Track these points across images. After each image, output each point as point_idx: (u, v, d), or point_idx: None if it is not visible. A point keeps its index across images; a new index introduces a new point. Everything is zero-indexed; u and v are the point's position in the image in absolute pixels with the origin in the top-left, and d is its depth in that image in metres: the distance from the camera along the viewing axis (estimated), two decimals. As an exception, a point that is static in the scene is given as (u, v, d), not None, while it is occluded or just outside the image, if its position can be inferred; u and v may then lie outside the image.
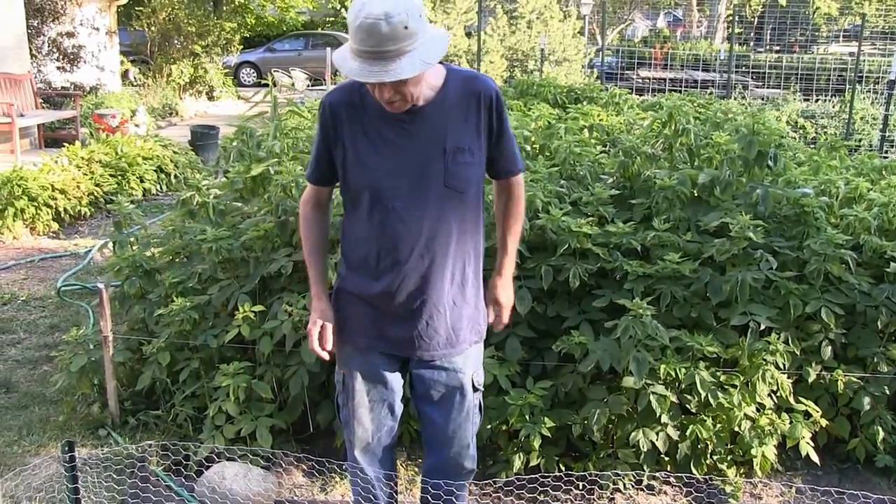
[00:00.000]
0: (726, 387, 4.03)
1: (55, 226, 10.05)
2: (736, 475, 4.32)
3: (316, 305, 2.86)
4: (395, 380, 2.92)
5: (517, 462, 3.98)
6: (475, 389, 2.97)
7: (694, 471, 4.31)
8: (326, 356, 2.90)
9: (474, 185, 2.77)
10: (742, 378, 4.05)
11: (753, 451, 4.00)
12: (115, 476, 4.43)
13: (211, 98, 22.09)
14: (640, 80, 19.99)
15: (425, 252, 2.72)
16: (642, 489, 4.36)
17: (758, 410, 4.08)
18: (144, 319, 5.25)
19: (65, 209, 10.09)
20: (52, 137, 14.21)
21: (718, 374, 4.04)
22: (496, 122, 2.70)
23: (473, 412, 2.99)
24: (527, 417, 3.93)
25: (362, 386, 2.86)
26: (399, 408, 3.03)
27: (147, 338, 5.13)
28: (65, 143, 12.07)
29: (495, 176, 2.89)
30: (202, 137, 13.22)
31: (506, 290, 3.13)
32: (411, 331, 2.79)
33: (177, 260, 5.00)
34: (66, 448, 3.11)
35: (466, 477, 3.29)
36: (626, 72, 21.51)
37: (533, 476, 4.20)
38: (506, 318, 3.14)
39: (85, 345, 5.41)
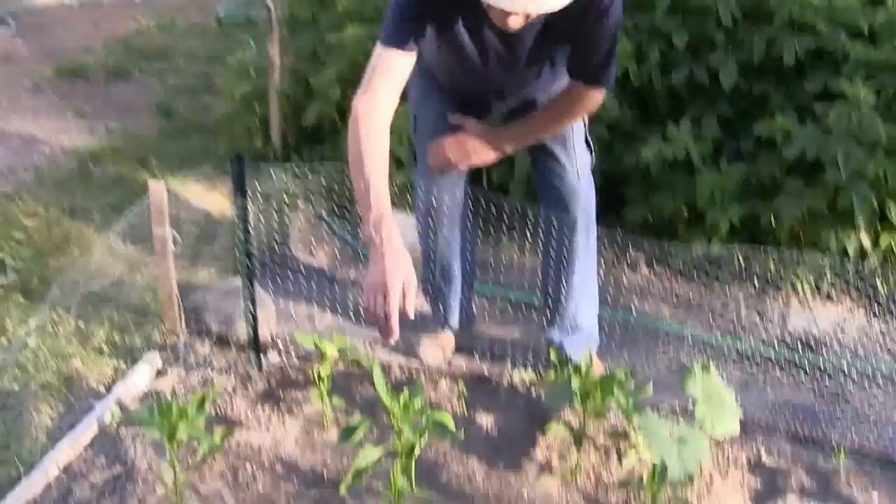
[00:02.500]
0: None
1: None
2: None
3: (390, 250, 2.15)
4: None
5: (697, 245, 4.04)
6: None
7: (879, 286, 4.27)
8: (396, 331, 2.17)
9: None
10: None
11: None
12: (275, 212, 4.78)
13: None
14: None
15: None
16: (820, 296, 4.38)
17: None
18: (314, 49, 5.19)
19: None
20: None
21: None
22: (591, 28, 2.55)
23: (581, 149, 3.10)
24: (715, 201, 3.95)
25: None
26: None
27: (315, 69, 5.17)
28: None
29: (569, 74, 2.79)
30: None
31: (483, 143, 2.98)
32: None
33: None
34: (236, 163, 3.17)
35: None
36: None
37: (709, 261, 4.29)
38: (409, 311, 2.19)
39: (248, 71, 5.59)
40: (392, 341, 2.13)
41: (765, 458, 3.22)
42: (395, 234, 2.15)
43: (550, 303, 3.44)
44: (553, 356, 3.09)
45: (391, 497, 2.67)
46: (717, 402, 2.90)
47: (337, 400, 3.21)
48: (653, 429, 2.79)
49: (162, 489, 2.86)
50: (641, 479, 2.83)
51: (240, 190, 3.20)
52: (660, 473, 2.56)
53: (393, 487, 2.65)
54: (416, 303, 2.17)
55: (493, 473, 3.04)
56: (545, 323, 3.47)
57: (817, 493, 3.06)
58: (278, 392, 3.39)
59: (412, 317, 2.13)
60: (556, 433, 3.19)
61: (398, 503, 2.69)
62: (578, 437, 3.02)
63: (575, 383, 2.90)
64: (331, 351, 3.09)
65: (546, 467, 3.09)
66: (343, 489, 2.63)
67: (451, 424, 2.59)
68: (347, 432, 2.67)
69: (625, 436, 3.15)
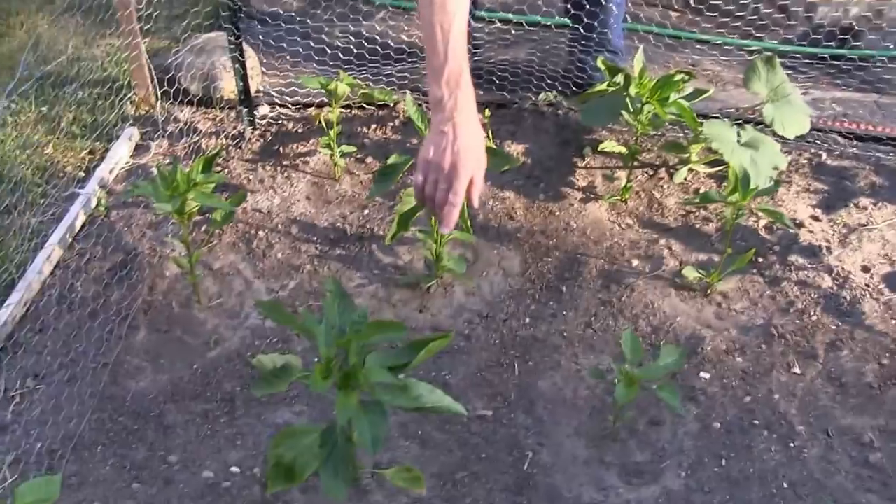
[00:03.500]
0: None
1: None
2: None
3: (465, 124, 1.76)
4: None
5: None
6: None
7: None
8: (453, 224, 1.82)
9: None
10: None
11: None
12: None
13: None
14: None
15: None
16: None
17: None
18: None
19: None
20: None
21: None
22: None
23: None
24: None
25: None
26: None
27: None
28: None
29: None
30: None
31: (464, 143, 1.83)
32: None
33: None
34: None
35: None
36: None
37: None
38: (474, 199, 1.84)
39: None
40: (446, 231, 1.81)
41: (827, 160, 2.97)
42: (472, 102, 1.73)
43: (583, 25, 3.05)
44: (600, 64, 2.74)
45: (433, 242, 2.44)
46: (784, 99, 2.61)
47: (346, 147, 2.91)
48: (721, 134, 2.53)
49: (172, 270, 2.63)
50: (705, 193, 2.58)
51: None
52: (742, 181, 2.31)
53: (434, 232, 2.41)
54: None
55: (533, 206, 2.81)
56: (578, 48, 3.09)
57: (889, 189, 2.85)
58: (278, 148, 3.09)
59: (476, 205, 1.84)
60: (593, 156, 2.93)
61: (441, 249, 2.47)
62: (631, 154, 2.76)
63: (633, 88, 2.59)
64: (342, 89, 2.76)
65: (591, 193, 2.86)
66: (388, 240, 2.39)
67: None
68: (385, 173, 2.38)
69: (677, 149, 2.89)
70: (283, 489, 1.89)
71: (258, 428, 2.22)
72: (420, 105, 2.38)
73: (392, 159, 2.34)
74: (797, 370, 2.33)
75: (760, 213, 2.68)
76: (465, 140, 1.73)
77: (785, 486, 2.08)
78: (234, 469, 2.15)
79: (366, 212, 2.79)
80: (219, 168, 2.97)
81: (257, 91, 3.24)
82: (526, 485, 2.09)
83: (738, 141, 2.59)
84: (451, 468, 2.13)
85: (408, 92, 2.53)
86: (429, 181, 1.79)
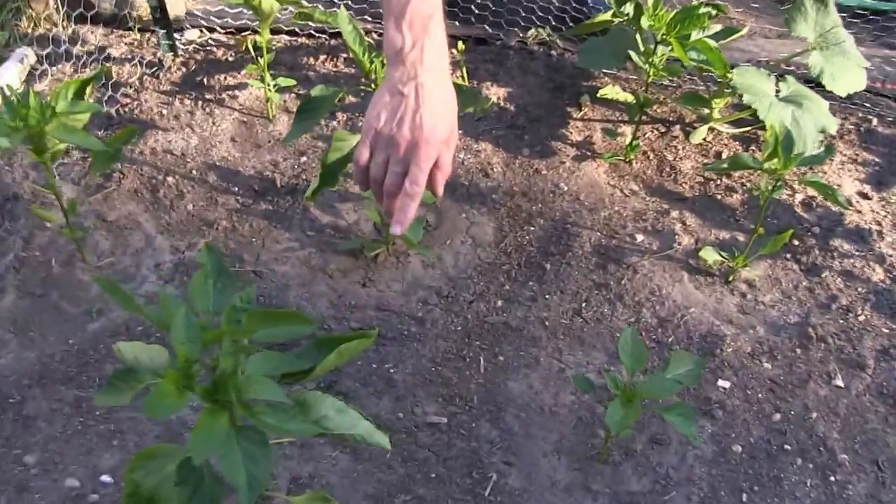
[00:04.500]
0: None
1: None
2: None
3: (435, 92, 1.33)
4: None
5: None
6: None
7: None
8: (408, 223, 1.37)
9: None
10: None
11: None
12: None
13: None
14: None
15: None
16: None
17: None
18: None
19: None
20: None
21: None
22: None
23: None
24: None
25: None
26: None
27: None
28: None
29: None
30: None
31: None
32: None
33: None
34: None
35: None
36: None
37: None
38: (438, 187, 1.40)
39: None
40: (398, 231, 1.34)
41: (878, 126, 2.52)
42: (444, 53, 1.32)
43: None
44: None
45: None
46: (837, 46, 2.15)
47: (284, 80, 2.43)
48: (756, 85, 2.06)
49: (56, 219, 2.14)
50: (737, 157, 2.10)
51: None
52: (783, 144, 1.84)
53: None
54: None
55: (515, 162, 2.34)
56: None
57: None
58: (202, 79, 2.60)
59: (440, 194, 1.40)
60: (591, 106, 2.47)
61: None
62: (639, 105, 2.29)
63: (645, 21, 2.11)
64: (268, 3, 2.26)
65: (587, 150, 2.38)
66: (308, 196, 1.91)
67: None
68: (307, 110, 1.90)
69: (697, 102, 2.42)
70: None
71: (143, 425, 1.81)
72: (363, 34, 1.88)
73: (316, 91, 1.85)
74: (839, 382, 1.91)
75: (797, 186, 2.21)
76: (432, 108, 1.29)
77: (823, 532, 1.64)
78: (106, 478, 1.74)
79: (303, 159, 2.32)
80: (128, 100, 2.47)
81: (186, 13, 2.75)
82: (486, 518, 1.64)
83: (777, 95, 2.12)
84: (391, 490, 1.70)
85: (342, 6, 2.00)
86: (377, 160, 1.32)
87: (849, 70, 2.21)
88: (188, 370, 1.24)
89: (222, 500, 1.34)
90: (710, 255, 2.09)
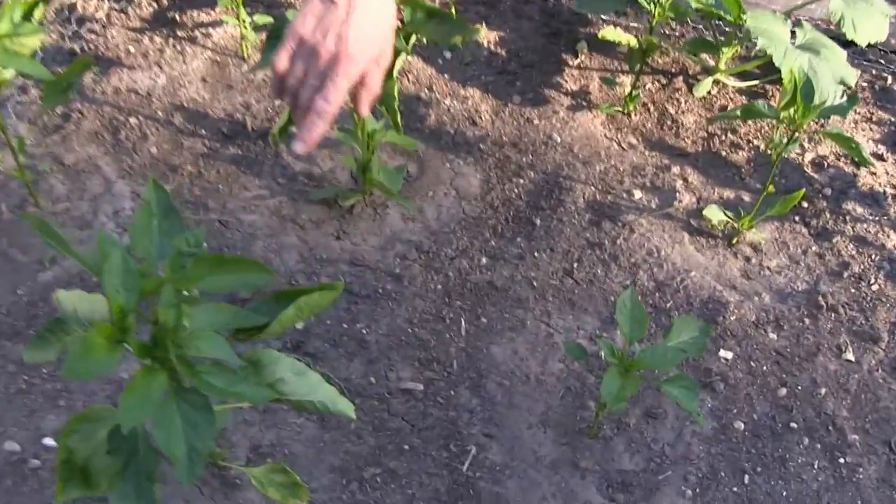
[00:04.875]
0: None
1: None
2: None
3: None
4: None
5: None
6: None
7: None
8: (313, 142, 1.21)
9: None
10: None
11: None
12: None
13: None
14: None
15: None
16: None
17: None
18: None
19: None
20: None
21: None
22: None
23: None
24: None
25: None
26: None
27: None
28: None
29: None
30: None
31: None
32: None
33: None
34: None
35: None
36: None
37: None
38: (362, 106, 1.24)
39: None
40: (299, 149, 1.18)
41: (893, 84, 2.33)
42: None
43: None
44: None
45: (360, 144, 1.77)
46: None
47: (260, 17, 2.22)
48: (772, 30, 1.86)
49: (9, 162, 1.96)
50: (749, 105, 1.90)
51: None
52: (803, 92, 1.64)
53: (360, 130, 1.73)
54: None
55: (504, 110, 2.14)
56: None
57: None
58: (174, 15, 2.39)
59: (365, 113, 1.24)
60: (588, 53, 2.27)
61: (370, 155, 1.79)
62: (641, 52, 2.09)
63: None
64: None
65: (583, 100, 2.19)
66: (274, 133, 1.70)
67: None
68: (278, 32, 1.68)
69: (705, 48, 2.22)
70: (79, 496, 1.23)
71: (93, 385, 1.64)
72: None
73: (291, 15, 1.63)
74: (850, 356, 1.74)
75: (808, 145, 2.02)
76: (363, 22, 1.13)
77: (831, 518, 1.48)
78: (49, 442, 1.57)
79: (277, 102, 2.10)
80: (94, 36, 2.26)
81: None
82: (464, 493, 1.48)
83: (793, 43, 1.92)
84: (359, 462, 1.52)
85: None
86: (295, 71, 1.15)
87: (872, 17, 2.02)
88: (122, 322, 1.05)
89: (157, 473, 1.16)
90: (715, 215, 1.91)
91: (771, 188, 1.83)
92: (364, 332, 1.73)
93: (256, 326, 1.11)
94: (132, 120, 2.10)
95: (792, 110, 1.70)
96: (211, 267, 1.10)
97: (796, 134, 1.73)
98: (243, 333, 1.12)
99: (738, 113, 1.83)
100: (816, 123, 2.01)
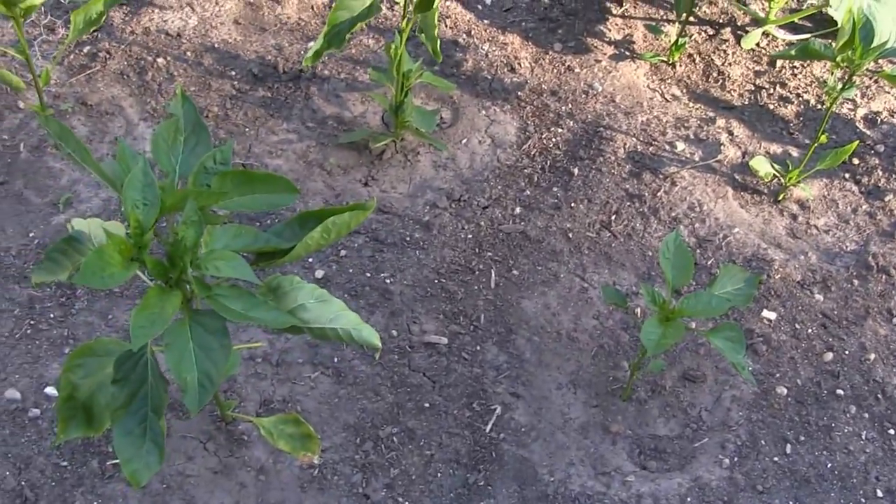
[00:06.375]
0: None
1: None
2: None
3: None
4: None
5: None
6: None
7: None
8: None
9: None
10: None
11: None
12: None
13: None
14: None
15: None
16: None
17: None
18: None
19: None
20: None
21: None
22: None
23: None
24: None
25: None
26: None
27: None
28: None
29: None
30: None
31: None
32: None
33: None
34: None
35: None
36: None
37: None
38: None
39: None
40: None
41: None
42: None
43: None
44: None
45: (394, 84, 1.61)
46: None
47: (294, -44, 2.05)
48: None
49: (33, 99, 1.83)
50: (806, 45, 1.71)
51: None
52: (862, 32, 1.45)
53: (395, 69, 1.57)
54: None
55: (545, 58, 1.97)
56: None
57: None
58: (207, -45, 2.22)
59: None
60: (633, 1, 2.09)
61: (404, 97, 1.63)
62: (688, 1, 1.90)
63: None
64: None
65: (626, 49, 2.00)
66: (308, 60, 1.55)
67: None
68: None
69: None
70: (80, 437, 1.11)
71: (101, 330, 1.52)
72: None
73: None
74: (902, 321, 1.55)
75: (860, 100, 1.83)
76: None
77: (879, 493, 1.40)
78: (50, 391, 1.45)
79: (310, 44, 1.95)
80: (127, -24, 2.11)
81: None
82: (486, 456, 1.34)
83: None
84: (375, 420, 1.38)
85: None
86: None
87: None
88: (140, 239, 0.93)
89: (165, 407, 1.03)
90: (762, 166, 1.73)
91: (824, 138, 1.64)
92: (388, 281, 1.58)
93: (280, 250, 0.97)
94: (160, 60, 1.96)
95: (850, 52, 1.51)
96: (237, 183, 0.98)
97: (852, 78, 1.54)
98: (265, 260, 0.99)
99: (794, 52, 1.63)
100: (873, 72, 1.81)
